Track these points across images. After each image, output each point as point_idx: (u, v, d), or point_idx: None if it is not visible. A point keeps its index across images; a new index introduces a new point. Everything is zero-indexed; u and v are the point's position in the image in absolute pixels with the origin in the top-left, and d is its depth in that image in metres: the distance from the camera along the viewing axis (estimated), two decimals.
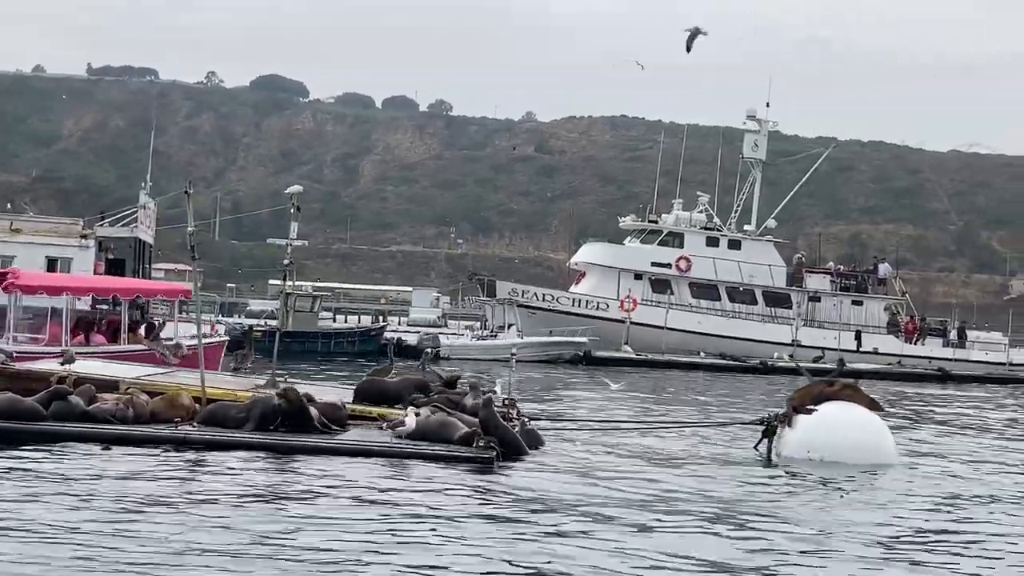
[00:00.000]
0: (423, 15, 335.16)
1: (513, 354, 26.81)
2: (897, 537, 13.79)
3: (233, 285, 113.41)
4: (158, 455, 16.66)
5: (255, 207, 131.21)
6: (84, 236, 49.72)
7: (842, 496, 16.82)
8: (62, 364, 21.25)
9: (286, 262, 24.50)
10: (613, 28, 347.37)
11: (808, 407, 20.08)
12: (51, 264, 50.57)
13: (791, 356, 59.10)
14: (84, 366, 21.74)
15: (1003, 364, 62.27)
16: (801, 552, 12.60)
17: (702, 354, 58.36)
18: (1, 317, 27.49)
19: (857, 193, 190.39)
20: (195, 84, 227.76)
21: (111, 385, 20.26)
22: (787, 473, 18.67)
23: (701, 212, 67.10)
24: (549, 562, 11.40)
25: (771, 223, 67.83)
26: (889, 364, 59.37)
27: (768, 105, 69.69)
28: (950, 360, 61.38)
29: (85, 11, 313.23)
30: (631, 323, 59.46)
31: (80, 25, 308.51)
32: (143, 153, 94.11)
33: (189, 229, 20.25)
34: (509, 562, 11.34)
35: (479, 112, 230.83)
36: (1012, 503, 17.00)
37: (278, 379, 21.27)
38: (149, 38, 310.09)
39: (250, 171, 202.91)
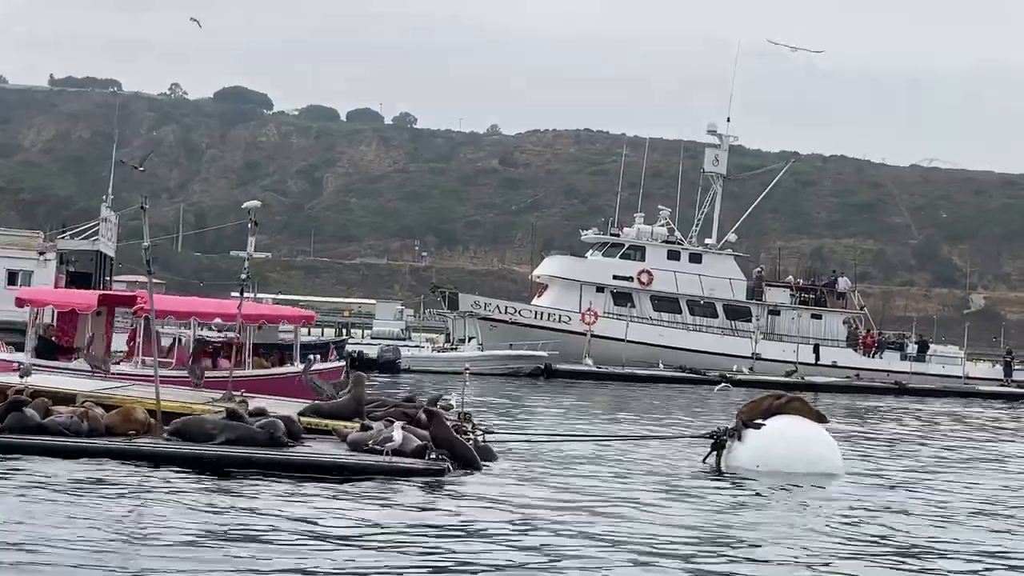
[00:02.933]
0: (388, 28, 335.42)
1: (466, 368, 27.06)
2: (837, 550, 14.10)
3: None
4: (110, 467, 16.79)
5: (218, 219, 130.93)
6: (42, 253, 49.66)
7: (788, 508, 17.15)
8: (20, 377, 21.30)
9: (243, 276, 24.71)
10: (580, 44, 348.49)
11: (757, 421, 20.51)
12: (11, 277, 50.46)
13: (751, 369, 59.77)
14: (41, 379, 21.79)
15: (960, 377, 63.02)
16: (748, 564, 12.89)
17: (661, 365, 58.73)
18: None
19: (819, 207, 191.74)
20: (158, 96, 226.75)
21: (67, 398, 20.32)
22: (736, 486, 19.01)
23: (662, 226, 67.58)
24: (492, 570, 11.65)
25: (732, 237, 68.43)
26: (847, 377, 60.06)
27: (729, 120, 70.36)
28: (907, 373, 62.07)
29: (47, 22, 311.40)
30: (593, 336, 59.76)
31: (42, 37, 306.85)
32: (106, 165, 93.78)
33: (144, 244, 20.37)
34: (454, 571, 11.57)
35: (444, 125, 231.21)
36: (954, 517, 17.36)
37: (233, 393, 21.41)
38: (112, 49, 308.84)
39: (213, 183, 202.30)
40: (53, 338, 28.13)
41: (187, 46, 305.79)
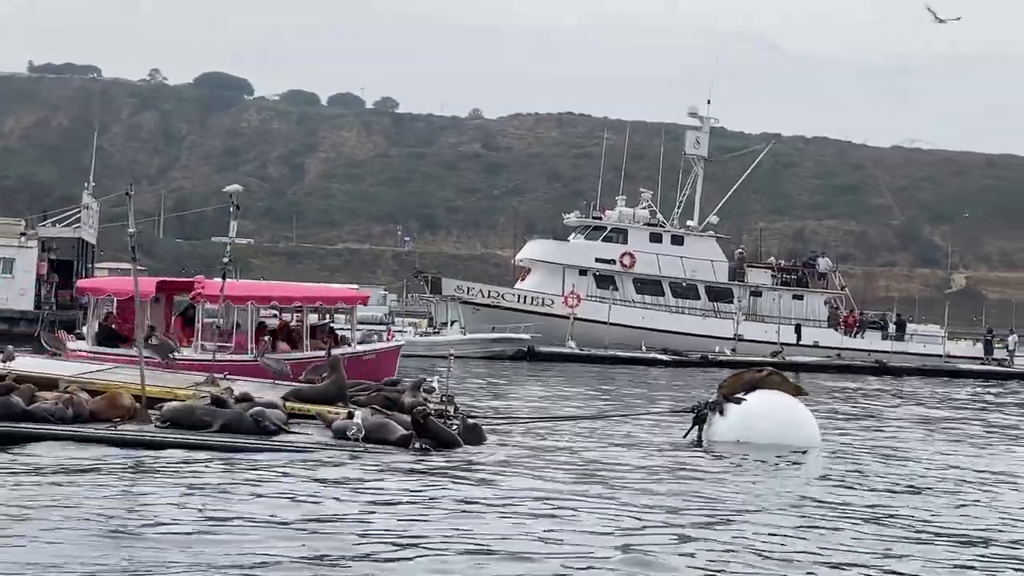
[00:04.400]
0: (368, 12, 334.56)
1: (452, 353, 27.24)
2: (815, 521, 14.31)
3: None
4: (98, 455, 16.89)
5: (199, 205, 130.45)
6: (24, 235, 49.66)
7: (768, 481, 17.37)
8: (3, 362, 21.34)
9: (225, 260, 24.83)
10: (564, 28, 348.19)
11: (738, 395, 20.90)
12: None
13: (733, 350, 60.04)
14: (24, 364, 21.83)
15: (940, 356, 63.43)
16: (729, 534, 13.06)
17: (643, 347, 58.96)
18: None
19: (801, 189, 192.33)
20: (138, 82, 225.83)
21: (51, 383, 20.36)
22: (718, 458, 19.31)
23: (644, 208, 67.80)
24: (474, 550, 11.79)
25: (713, 219, 68.72)
26: (828, 357, 60.40)
27: (709, 102, 70.54)
28: (888, 352, 62.43)
29: (26, 8, 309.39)
30: (576, 319, 59.95)
31: (21, 23, 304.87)
32: (86, 151, 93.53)
33: (130, 230, 20.43)
34: (440, 552, 11.72)
35: (425, 109, 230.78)
36: (923, 488, 17.64)
37: (216, 377, 21.51)
38: (91, 35, 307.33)
39: (194, 169, 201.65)
40: (113, 326, 28.38)
41: (167, 31, 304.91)
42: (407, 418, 18.95)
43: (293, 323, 29.81)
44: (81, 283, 34.79)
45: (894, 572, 11.81)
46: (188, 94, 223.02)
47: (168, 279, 31.72)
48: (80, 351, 26.84)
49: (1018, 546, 13.56)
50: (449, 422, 20.05)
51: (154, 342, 24.52)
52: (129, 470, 15.76)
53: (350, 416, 19.01)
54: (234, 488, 14.66)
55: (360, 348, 29.28)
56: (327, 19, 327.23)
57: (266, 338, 27.75)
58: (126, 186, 21.11)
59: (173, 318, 29.00)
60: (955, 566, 12.33)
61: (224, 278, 25.65)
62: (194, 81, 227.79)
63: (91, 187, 57.83)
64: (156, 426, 18.44)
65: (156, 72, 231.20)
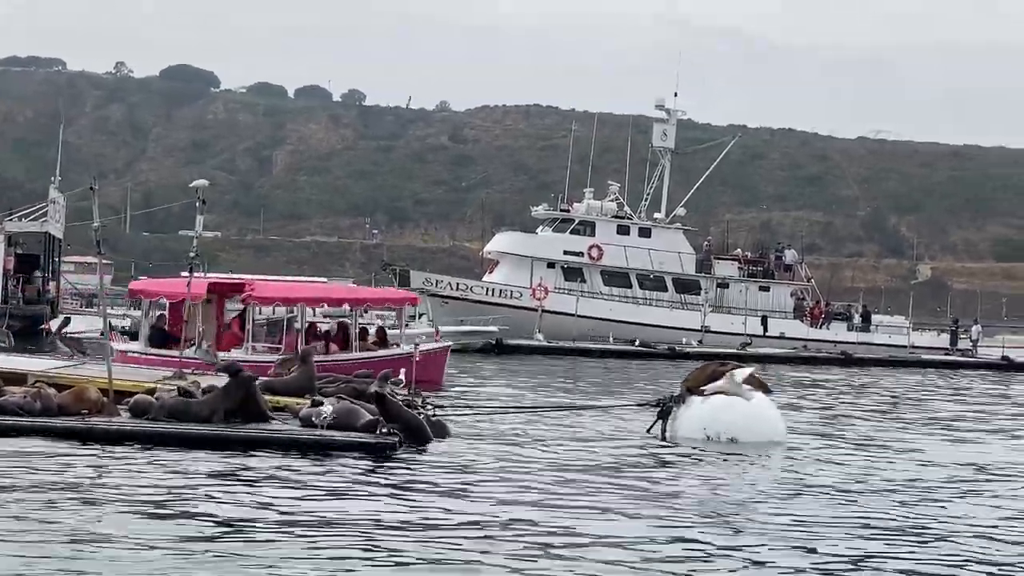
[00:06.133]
0: (335, 4, 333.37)
1: (416, 344, 27.35)
2: (778, 511, 14.51)
3: (144, 278, 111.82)
4: (67, 447, 16.93)
5: (166, 198, 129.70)
6: None
7: (729, 473, 17.55)
8: None
9: (192, 255, 24.90)
10: (535, 23, 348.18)
11: (702, 388, 20.95)
12: None
13: (700, 342, 60.31)
14: None
15: (906, 347, 63.88)
16: (699, 529, 13.24)
17: (611, 339, 59.13)
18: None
19: (768, 181, 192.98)
20: (104, 74, 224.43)
21: (18, 378, 20.40)
22: (683, 452, 19.43)
23: (612, 201, 68.00)
24: (443, 540, 11.92)
25: (680, 211, 68.95)
26: (795, 348, 60.74)
27: (676, 95, 70.77)
28: (854, 344, 62.83)
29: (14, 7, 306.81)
30: (543, 311, 60.11)
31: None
32: (53, 145, 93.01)
33: (94, 224, 20.46)
34: (404, 545, 11.84)
35: (393, 102, 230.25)
36: (888, 480, 17.87)
37: (184, 372, 21.57)
38: (55, 28, 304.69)
39: (161, 161, 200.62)
40: (165, 327, 28.48)
41: (132, 23, 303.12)
42: (375, 407, 19.11)
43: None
44: (133, 285, 35.20)
45: (858, 566, 11.99)
46: (154, 86, 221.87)
47: (220, 280, 32.01)
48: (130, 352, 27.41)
49: (981, 538, 13.76)
50: (416, 412, 20.18)
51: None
52: (102, 462, 15.81)
53: (315, 404, 19.15)
54: (193, 480, 14.75)
55: (408, 349, 29.21)
56: (294, 11, 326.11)
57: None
58: (91, 180, 21.13)
59: (230, 318, 29.25)
60: (920, 560, 12.53)
61: (191, 272, 25.71)
62: (160, 73, 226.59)
63: (57, 181, 57.50)
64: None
65: (122, 65, 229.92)
